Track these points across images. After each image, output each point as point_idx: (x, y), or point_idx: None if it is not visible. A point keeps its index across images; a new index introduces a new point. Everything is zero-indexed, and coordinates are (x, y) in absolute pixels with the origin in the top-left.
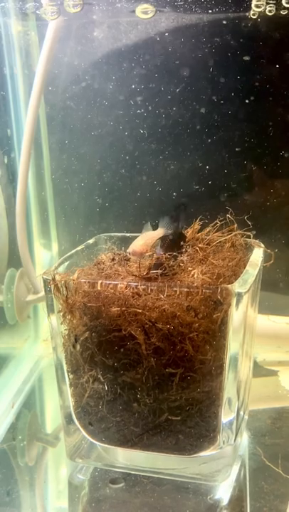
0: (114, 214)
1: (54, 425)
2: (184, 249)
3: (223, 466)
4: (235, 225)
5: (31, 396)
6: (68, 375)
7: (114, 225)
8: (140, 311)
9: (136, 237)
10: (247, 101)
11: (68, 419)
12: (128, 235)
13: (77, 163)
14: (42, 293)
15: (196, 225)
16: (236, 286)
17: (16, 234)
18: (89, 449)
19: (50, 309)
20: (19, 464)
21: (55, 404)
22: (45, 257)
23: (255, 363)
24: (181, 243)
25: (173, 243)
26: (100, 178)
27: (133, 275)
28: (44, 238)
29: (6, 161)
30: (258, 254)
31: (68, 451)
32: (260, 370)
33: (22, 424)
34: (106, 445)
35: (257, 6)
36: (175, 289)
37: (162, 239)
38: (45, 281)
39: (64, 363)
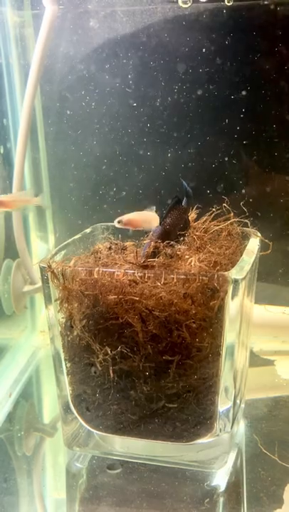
0: (111, 204)
1: (52, 415)
2: (181, 238)
3: (220, 453)
4: (232, 214)
5: (28, 386)
6: (66, 364)
7: (111, 215)
8: (137, 298)
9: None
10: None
11: (66, 408)
12: None
13: (73, 153)
14: (39, 283)
15: (193, 214)
16: (233, 273)
17: (13, 225)
18: (86, 438)
19: (47, 298)
20: (17, 453)
21: (53, 394)
22: (41, 249)
23: (252, 353)
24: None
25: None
26: (97, 168)
27: (130, 263)
28: (41, 231)
29: (1, 151)
30: (254, 243)
31: (66, 440)
32: (256, 359)
33: (19, 413)
34: (103, 433)
35: None
36: (172, 276)
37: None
38: (41, 270)
39: (61, 351)
